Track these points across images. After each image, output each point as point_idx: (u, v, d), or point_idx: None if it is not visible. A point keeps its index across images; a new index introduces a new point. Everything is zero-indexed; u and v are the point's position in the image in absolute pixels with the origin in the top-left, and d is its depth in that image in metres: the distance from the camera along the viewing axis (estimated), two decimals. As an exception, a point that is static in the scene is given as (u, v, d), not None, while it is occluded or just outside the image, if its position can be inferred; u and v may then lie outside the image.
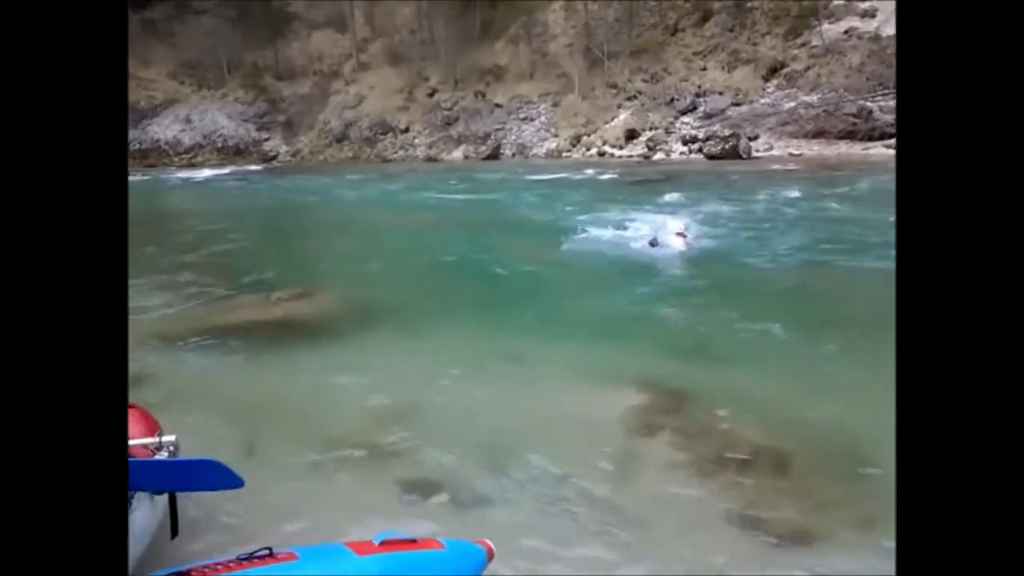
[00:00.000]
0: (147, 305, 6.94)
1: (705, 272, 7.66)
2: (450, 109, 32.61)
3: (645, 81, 29.55)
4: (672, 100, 28.11)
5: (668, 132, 26.87)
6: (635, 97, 29.16)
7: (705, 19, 29.95)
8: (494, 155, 29.52)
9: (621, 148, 27.25)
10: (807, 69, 25.64)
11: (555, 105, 31.00)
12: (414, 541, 2.03)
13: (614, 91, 30.06)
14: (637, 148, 26.76)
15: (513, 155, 29.44)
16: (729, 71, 27.94)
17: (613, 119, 28.93)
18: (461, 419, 3.92)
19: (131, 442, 2.37)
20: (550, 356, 5.02)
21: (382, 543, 1.96)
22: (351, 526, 2.84)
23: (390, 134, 32.76)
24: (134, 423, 2.63)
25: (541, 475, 3.29)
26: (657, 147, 26.15)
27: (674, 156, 25.11)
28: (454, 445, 3.61)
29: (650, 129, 27.32)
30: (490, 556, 2.15)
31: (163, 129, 34.98)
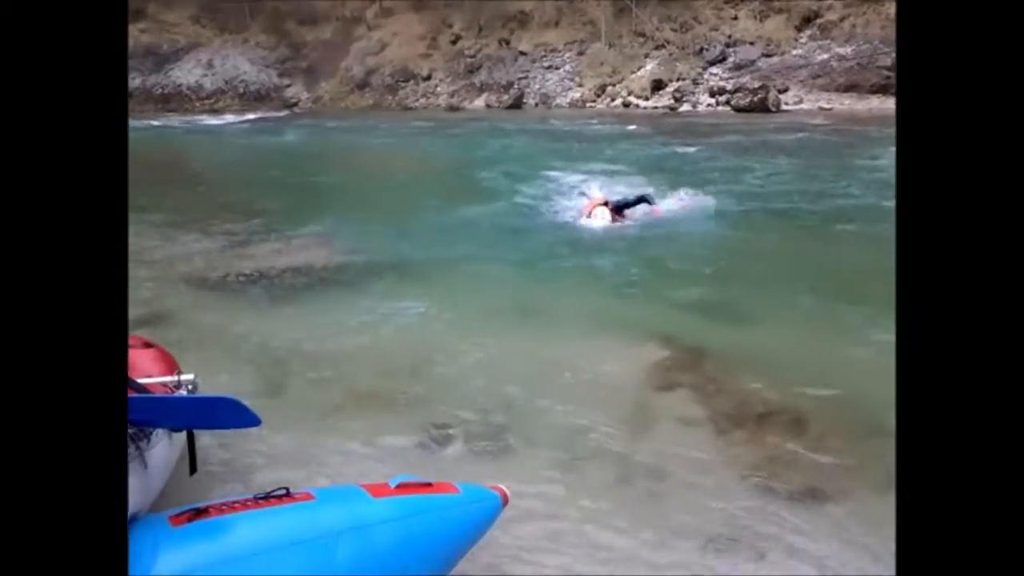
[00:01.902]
0: (167, 247, 7.01)
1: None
2: (473, 56, 32.06)
3: (674, 30, 28.78)
4: (701, 50, 27.40)
5: (696, 83, 26.27)
6: (663, 46, 28.47)
7: (739, -35, 28.94)
8: (517, 104, 29.09)
9: (647, 99, 26.73)
10: (842, 20, 24.78)
11: (580, 54, 30.36)
12: (429, 485, 2.04)
13: (641, 40, 29.34)
14: (663, 99, 26.23)
15: (536, 105, 29.01)
16: (761, 20, 27.10)
17: (639, 69, 28.31)
18: (477, 369, 3.93)
19: (150, 380, 2.39)
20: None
21: (398, 486, 1.97)
22: (367, 470, 2.88)
23: (412, 81, 32.36)
24: (153, 362, 2.66)
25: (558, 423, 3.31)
26: (684, 99, 25.61)
27: (701, 108, 24.60)
28: (470, 394, 3.63)
29: (677, 80, 26.72)
30: (504, 501, 2.16)
31: (185, 74, 34.82)
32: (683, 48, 27.86)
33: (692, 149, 14.11)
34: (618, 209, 7.63)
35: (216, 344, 4.31)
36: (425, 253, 6.71)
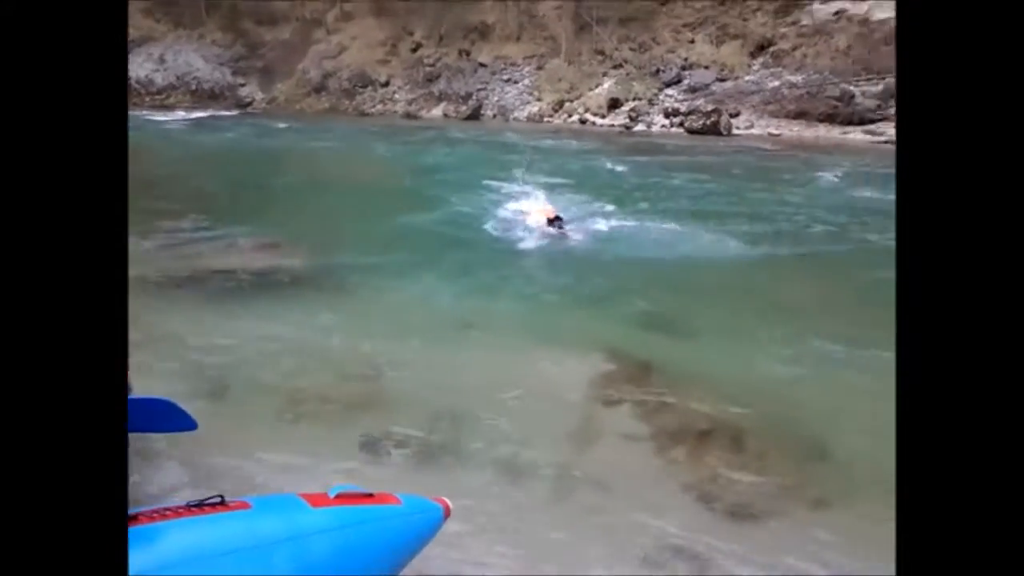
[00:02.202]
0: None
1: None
2: (433, 66, 32.02)
3: (632, 50, 29.27)
4: (658, 71, 27.91)
5: (651, 104, 26.72)
6: (621, 66, 28.91)
7: (697, -10, 29.65)
8: (474, 115, 29.13)
9: (603, 117, 27.06)
10: (794, 48, 25.55)
11: (539, 68, 30.61)
12: (370, 495, 2.01)
13: (600, 58, 29.75)
14: (619, 118, 26.58)
15: (494, 116, 29.10)
16: (717, 45, 27.77)
17: (597, 86, 28.67)
18: (418, 381, 3.90)
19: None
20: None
21: (338, 496, 1.94)
22: (307, 478, 2.83)
23: (369, 87, 32.11)
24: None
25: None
26: (639, 118, 26.01)
27: (655, 128, 25.02)
28: (414, 402, 3.60)
29: (634, 99, 27.13)
30: (446, 514, 2.14)
31: (135, 68, 33.85)
32: (640, 68, 28.34)
33: (627, 167, 14.24)
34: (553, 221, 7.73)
35: (150, 347, 4.18)
36: (368, 259, 6.64)
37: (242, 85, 33.70)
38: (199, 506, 1.75)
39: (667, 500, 2.88)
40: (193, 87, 33.29)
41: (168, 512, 1.71)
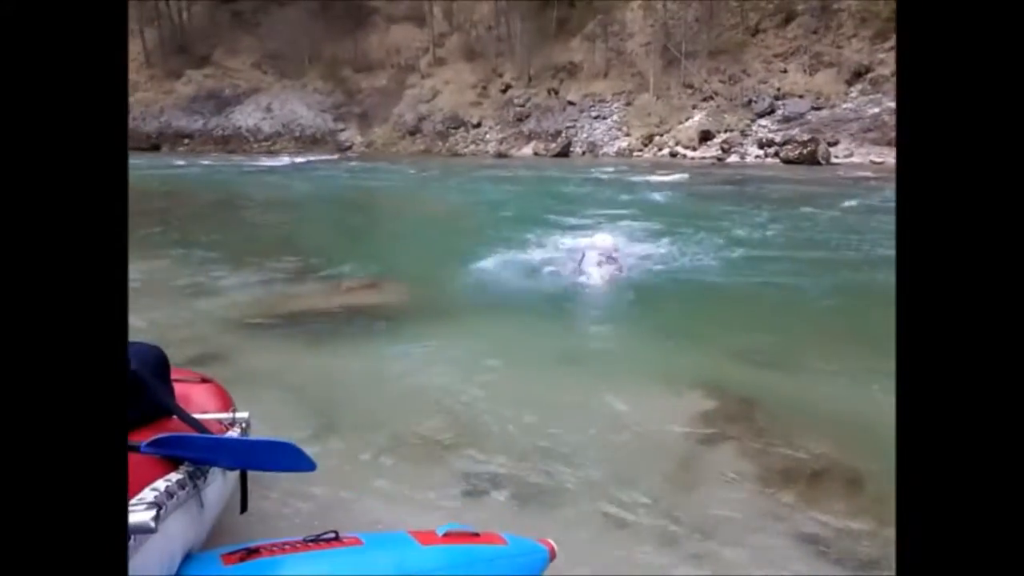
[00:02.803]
0: (220, 286, 7.21)
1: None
2: (522, 105, 32.68)
3: (722, 82, 28.97)
4: (750, 102, 27.49)
5: (744, 135, 26.29)
6: (711, 98, 28.63)
7: (788, 20, 29.14)
8: (564, 152, 29.44)
9: (694, 149, 26.81)
10: (894, 74, 24.62)
11: (628, 104, 30.72)
12: (477, 535, 2.03)
13: (690, 91, 29.58)
14: (711, 150, 26.27)
15: (583, 153, 29.31)
16: (811, 74, 27.13)
17: (687, 119, 28.47)
18: (519, 417, 3.91)
19: (206, 416, 2.44)
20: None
21: (446, 535, 1.96)
22: (411, 516, 2.87)
23: (462, 128, 33.06)
24: (209, 397, 2.71)
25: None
26: (732, 150, 25.62)
27: (749, 159, 24.55)
28: (511, 440, 3.62)
29: (725, 131, 26.78)
30: (552, 556, 2.13)
31: (245, 117, 36.22)
32: (731, 100, 27.98)
33: (716, 197, 14.02)
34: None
35: (266, 382, 4.38)
36: (466, 298, 6.77)
37: (342, 130, 35.38)
38: (315, 541, 1.81)
39: (778, 549, 2.76)
40: (297, 133, 35.21)
41: (287, 546, 1.78)
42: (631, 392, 4.30)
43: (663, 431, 3.73)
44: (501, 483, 3.21)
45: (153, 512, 1.37)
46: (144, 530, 1.38)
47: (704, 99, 28.87)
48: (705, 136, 26.95)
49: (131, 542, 1.39)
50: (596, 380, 4.54)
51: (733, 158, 25.12)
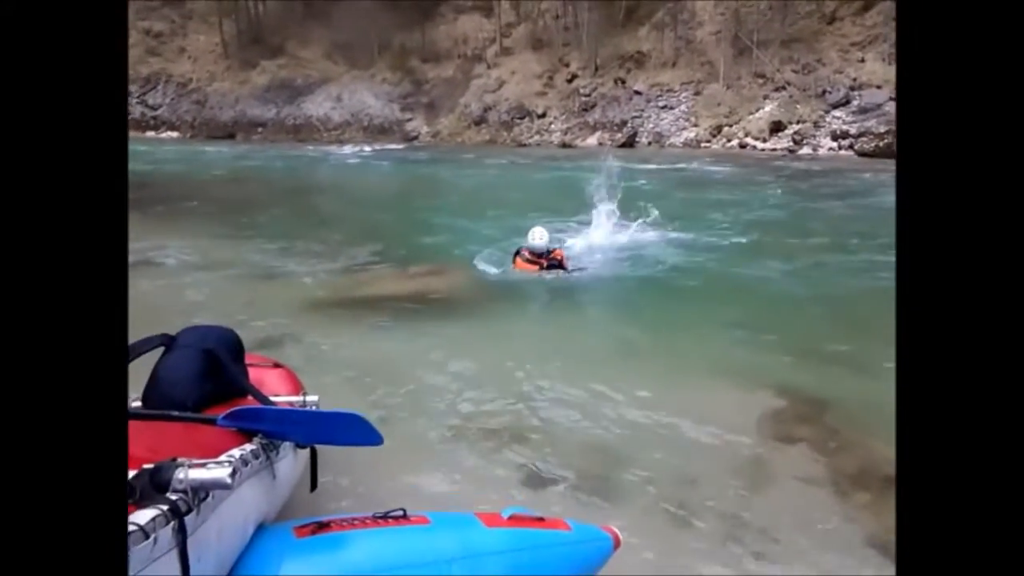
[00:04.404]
0: (289, 272, 7.41)
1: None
2: (588, 95, 32.39)
3: (795, 72, 28.07)
4: (824, 92, 26.55)
5: (817, 126, 25.44)
6: (783, 88, 27.79)
7: (867, 7, 27.97)
8: (629, 143, 29.08)
9: (764, 141, 26.10)
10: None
11: (697, 94, 30.09)
12: (541, 519, 2.04)
13: (761, 81, 28.78)
14: (782, 141, 25.54)
15: (649, 143, 28.89)
16: (890, 63, 25.98)
17: (758, 110, 27.73)
18: (583, 409, 3.90)
19: (277, 398, 2.52)
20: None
21: (511, 517, 1.98)
22: (474, 498, 2.91)
23: (527, 119, 32.98)
24: (281, 381, 2.79)
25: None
26: (804, 141, 24.84)
27: (821, 152, 23.77)
28: (572, 431, 3.61)
29: (797, 122, 25.96)
30: (616, 544, 2.12)
31: (315, 106, 37.01)
32: (804, 90, 27.08)
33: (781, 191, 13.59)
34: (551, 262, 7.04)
35: (332, 365, 4.49)
36: (530, 285, 6.78)
37: (409, 120, 35.78)
38: (384, 518, 1.85)
39: (849, 552, 2.68)
40: (365, 123, 35.79)
41: (356, 521, 1.82)
42: (697, 388, 4.25)
43: (730, 428, 3.67)
44: (563, 473, 3.22)
45: (230, 469, 1.42)
46: (220, 486, 1.42)
47: (776, 89, 28.03)
48: (776, 127, 26.19)
49: (209, 499, 1.45)
50: (662, 374, 4.50)
51: (805, 150, 24.36)
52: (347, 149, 28.97)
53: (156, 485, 1.34)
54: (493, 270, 7.21)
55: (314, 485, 2.36)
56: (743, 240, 9.34)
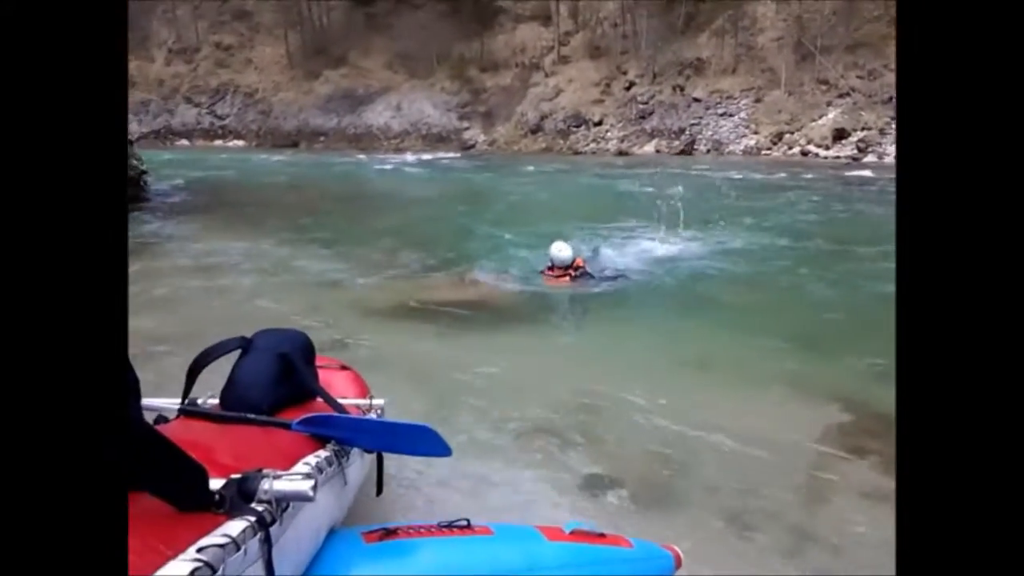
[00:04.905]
0: (348, 277, 7.58)
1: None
2: (646, 103, 32.17)
3: (860, 78, 27.33)
4: (890, 99, 25.75)
5: (883, 133, 24.71)
6: (847, 95, 27.09)
7: (939, 10, 27.03)
8: (687, 150, 28.76)
9: (827, 148, 25.47)
10: None
11: (757, 101, 29.58)
12: (603, 535, 2.04)
13: (824, 88, 28.11)
14: (846, 149, 24.88)
15: (707, 151, 28.52)
16: (963, 68, 25.06)
17: (820, 117, 27.08)
18: (639, 419, 3.88)
19: (346, 401, 2.58)
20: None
21: (572, 532, 1.99)
22: (533, 508, 2.93)
23: (583, 127, 32.95)
24: (349, 384, 2.86)
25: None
26: (869, 149, 24.16)
27: (887, 160, 23.06)
28: (633, 440, 3.60)
29: (862, 129, 25.26)
30: (677, 564, 2.11)
31: (376, 115, 37.76)
32: (870, 96, 26.35)
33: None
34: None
35: (394, 369, 4.57)
36: (586, 293, 6.78)
37: (467, 129, 36.15)
38: (448, 527, 1.88)
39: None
40: (424, 132, 36.32)
41: (422, 529, 1.86)
42: (756, 398, 4.18)
43: (793, 440, 3.60)
44: (622, 482, 3.21)
45: (312, 482, 1.46)
46: (302, 498, 1.47)
47: (840, 96, 27.34)
48: (839, 135, 25.53)
49: (287, 511, 1.50)
50: (719, 383, 4.45)
51: (870, 158, 23.66)
52: (405, 157, 29.43)
53: (243, 495, 1.39)
54: (523, 282, 7.27)
55: (379, 490, 2.41)
56: (803, 247, 9.16)
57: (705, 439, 3.63)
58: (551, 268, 7.14)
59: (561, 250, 7.11)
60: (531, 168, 23.63)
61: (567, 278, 7.04)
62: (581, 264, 7.21)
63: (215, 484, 1.36)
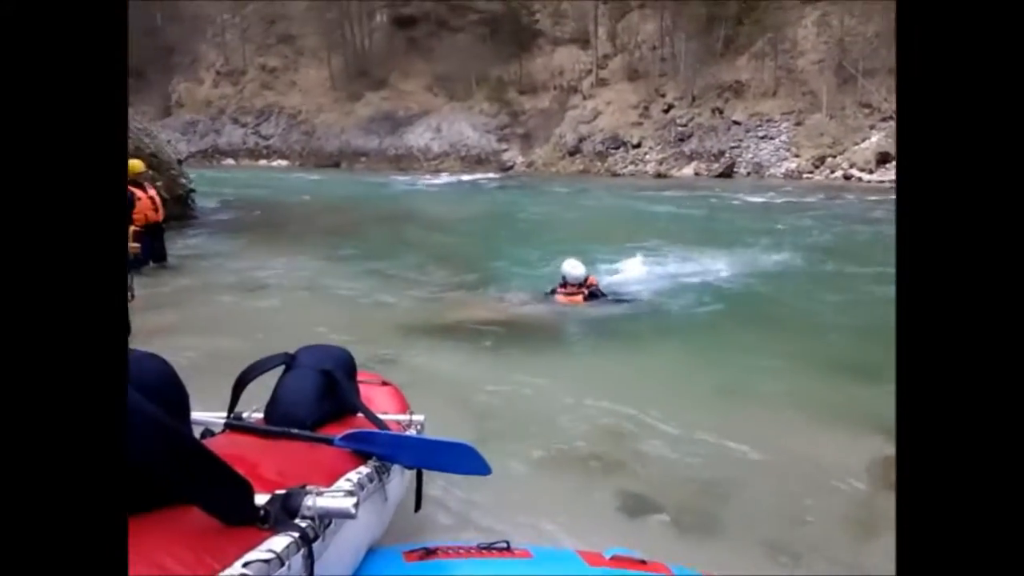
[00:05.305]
0: (386, 294, 7.65)
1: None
2: (684, 125, 32.10)
3: (906, 100, 26.89)
4: (938, 122, 25.29)
5: (930, 157, 24.22)
6: (891, 118, 26.64)
7: (987, 32, 26.58)
8: (727, 173, 28.56)
9: (871, 172, 25.06)
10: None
11: (798, 124, 29.30)
12: (643, 563, 2.00)
13: (867, 111, 27.74)
14: (889, 173, 24.43)
15: (748, 174, 28.27)
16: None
17: (863, 141, 26.71)
18: (679, 445, 3.81)
19: (385, 416, 2.59)
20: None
21: (612, 558, 1.96)
22: (570, 531, 2.89)
23: (621, 149, 32.97)
24: (389, 399, 2.87)
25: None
26: (915, 173, 23.69)
27: (935, 184, 22.58)
28: (671, 466, 3.54)
29: (908, 153, 24.81)
30: (719, 592, 2.06)
31: (416, 137, 38.34)
32: (916, 120, 25.88)
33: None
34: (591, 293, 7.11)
35: (431, 387, 4.57)
36: (620, 315, 6.74)
37: (504, 150, 36.49)
38: (488, 549, 1.87)
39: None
40: (463, 153, 36.76)
41: (462, 550, 1.85)
42: (800, 425, 4.08)
43: (839, 470, 3.50)
44: (663, 508, 3.15)
45: (354, 500, 1.47)
46: (345, 515, 1.48)
47: (883, 119, 26.93)
48: (883, 158, 25.13)
49: (329, 527, 1.51)
50: (762, 408, 4.36)
51: (916, 182, 23.23)
52: (444, 178, 29.75)
53: (287, 511, 1.41)
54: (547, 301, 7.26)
55: (418, 506, 2.40)
56: (843, 270, 9.00)
57: (746, 465, 3.55)
58: (563, 285, 7.11)
59: (574, 267, 7.09)
60: (565, 190, 23.68)
61: (580, 296, 7.01)
62: (594, 282, 7.18)
63: (260, 499, 1.38)
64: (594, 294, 7.06)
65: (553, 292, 7.19)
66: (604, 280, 7.85)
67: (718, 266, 9.04)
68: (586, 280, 7.11)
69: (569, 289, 7.06)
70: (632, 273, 8.67)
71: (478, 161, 35.93)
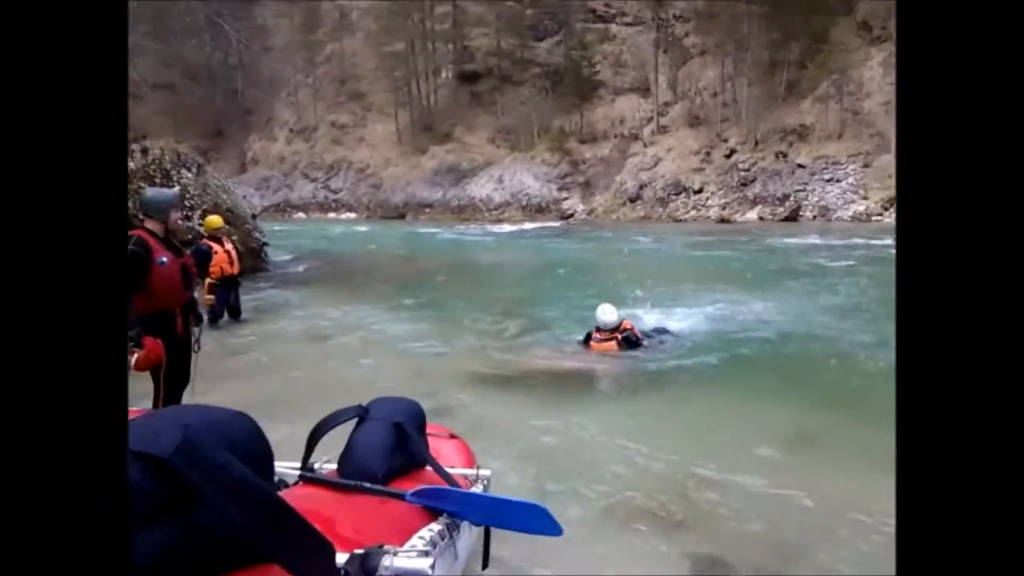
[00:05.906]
0: (450, 344, 7.74)
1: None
2: (747, 170, 31.79)
3: (981, 140, 26.07)
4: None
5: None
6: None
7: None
8: (792, 217, 28.05)
9: (946, 214, 24.24)
10: None
11: (866, 166, 28.66)
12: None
13: (940, 151, 26.95)
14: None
15: (814, 217, 27.69)
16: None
17: (937, 181, 25.88)
18: (746, 500, 3.72)
19: (453, 471, 2.63)
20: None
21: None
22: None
23: (683, 194, 32.82)
24: (457, 453, 2.91)
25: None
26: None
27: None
28: (737, 522, 3.46)
29: (985, 193, 23.94)
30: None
31: (479, 188, 39.09)
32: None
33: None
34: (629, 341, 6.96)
35: (496, 440, 4.60)
36: (685, 365, 6.65)
37: (565, 199, 36.81)
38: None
39: None
40: (524, 203, 37.25)
41: None
42: (877, 481, 3.93)
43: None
44: (736, 568, 3.08)
45: (430, 561, 1.50)
46: None
47: (958, 158, 26.14)
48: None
49: None
50: (834, 461, 4.21)
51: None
52: (506, 228, 30.13)
53: (365, 572, 1.44)
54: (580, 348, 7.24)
55: (485, 563, 2.42)
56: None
57: (820, 522, 3.44)
58: (598, 331, 7.06)
59: (607, 313, 7.02)
60: (633, 235, 23.66)
61: (613, 343, 6.92)
62: (628, 326, 7.07)
63: (339, 558, 1.42)
64: (628, 339, 6.96)
65: (588, 338, 7.14)
66: (643, 324, 7.82)
67: (770, 309, 8.88)
68: (620, 325, 7.03)
69: (603, 335, 7.01)
70: (678, 316, 8.65)
71: (539, 210, 36.31)
